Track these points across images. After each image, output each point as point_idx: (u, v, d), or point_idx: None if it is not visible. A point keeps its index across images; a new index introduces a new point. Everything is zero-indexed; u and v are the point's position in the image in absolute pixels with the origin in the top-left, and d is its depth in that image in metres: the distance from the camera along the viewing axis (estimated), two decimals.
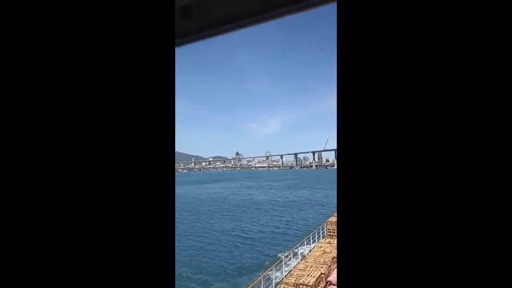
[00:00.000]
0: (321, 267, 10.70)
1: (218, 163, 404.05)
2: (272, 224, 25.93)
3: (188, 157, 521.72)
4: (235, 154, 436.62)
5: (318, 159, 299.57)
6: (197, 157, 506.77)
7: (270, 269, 10.78)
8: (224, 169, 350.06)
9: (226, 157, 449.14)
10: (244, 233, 23.18)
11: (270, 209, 35.58)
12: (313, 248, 13.66)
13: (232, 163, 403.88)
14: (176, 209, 0.80)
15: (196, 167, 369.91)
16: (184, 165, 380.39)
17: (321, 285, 9.88)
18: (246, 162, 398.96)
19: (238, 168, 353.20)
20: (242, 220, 28.65)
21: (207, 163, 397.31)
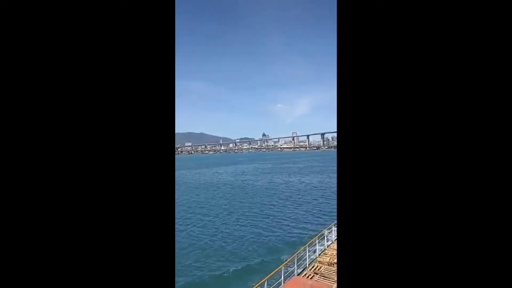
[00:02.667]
0: None
1: (245, 145, 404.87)
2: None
3: (216, 139, 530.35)
4: (261, 135, 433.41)
5: None
6: (224, 139, 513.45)
7: (303, 248, 10.47)
8: (250, 150, 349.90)
9: (253, 138, 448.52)
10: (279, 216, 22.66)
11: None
12: None
13: (258, 145, 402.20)
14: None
15: (223, 148, 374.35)
16: (211, 147, 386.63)
17: None
18: (272, 143, 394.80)
19: (264, 149, 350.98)
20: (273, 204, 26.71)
21: (233, 145, 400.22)
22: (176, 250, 13.64)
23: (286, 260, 9.78)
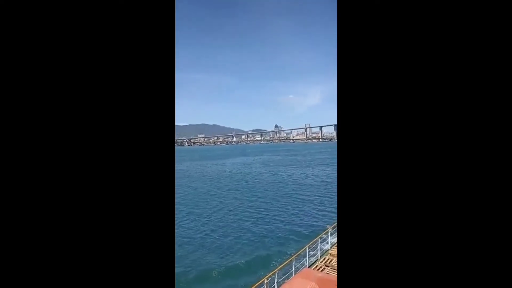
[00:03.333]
0: None
1: (257, 136, 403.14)
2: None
3: (229, 131, 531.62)
4: (274, 127, 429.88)
5: None
6: (237, 130, 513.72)
7: (315, 240, 10.42)
8: (262, 142, 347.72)
9: (265, 130, 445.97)
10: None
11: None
12: None
13: (270, 136, 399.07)
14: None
15: (235, 140, 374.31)
16: (223, 139, 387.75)
17: None
18: (285, 135, 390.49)
19: (276, 141, 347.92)
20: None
21: (245, 136, 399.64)
22: (180, 244, 14.01)
23: (297, 252, 9.56)
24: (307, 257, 9.37)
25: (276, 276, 7.79)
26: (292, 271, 8.51)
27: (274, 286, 7.71)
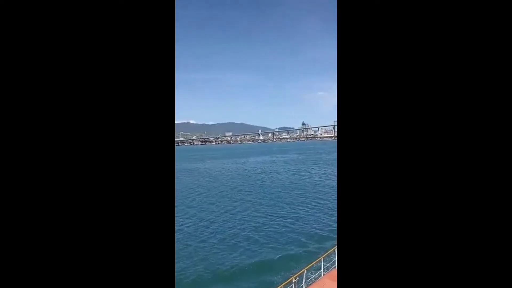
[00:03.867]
0: None
1: (284, 134, 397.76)
2: None
3: (255, 129, 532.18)
4: (301, 124, 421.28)
5: None
6: (263, 128, 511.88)
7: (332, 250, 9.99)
8: (288, 140, 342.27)
9: (292, 128, 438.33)
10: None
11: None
12: None
13: (297, 134, 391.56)
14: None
15: (261, 138, 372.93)
16: (250, 137, 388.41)
17: None
18: (312, 133, 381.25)
19: (303, 139, 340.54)
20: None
21: (272, 134, 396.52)
22: (194, 244, 14.20)
23: (327, 252, 9.33)
24: (336, 257, 8.72)
25: (304, 276, 7.56)
26: (321, 272, 8.16)
27: (302, 286, 7.41)
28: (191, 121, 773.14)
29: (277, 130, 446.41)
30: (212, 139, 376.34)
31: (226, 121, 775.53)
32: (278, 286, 7.39)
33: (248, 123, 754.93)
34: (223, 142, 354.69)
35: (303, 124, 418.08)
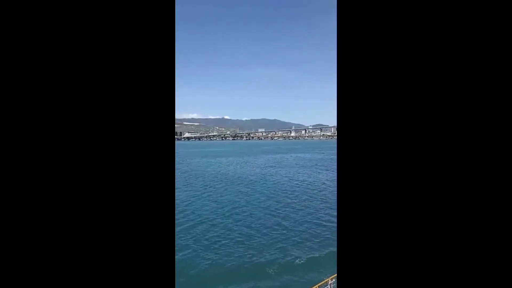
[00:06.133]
0: None
1: (317, 132, 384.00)
2: None
3: (289, 125, 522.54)
4: (336, 122, 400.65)
5: None
6: (297, 125, 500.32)
7: None
8: (321, 137, 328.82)
9: (327, 125, 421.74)
10: None
11: None
12: None
13: (332, 132, 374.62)
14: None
15: (293, 135, 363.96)
16: (282, 133, 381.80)
17: None
18: None
19: (335, 137, 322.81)
20: None
21: (305, 132, 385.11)
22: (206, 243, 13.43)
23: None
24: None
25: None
26: None
27: None
28: (226, 117, 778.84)
29: (311, 127, 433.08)
30: (244, 134, 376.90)
31: (260, 117, 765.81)
32: None
33: (282, 120, 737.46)
34: (254, 138, 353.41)
35: None
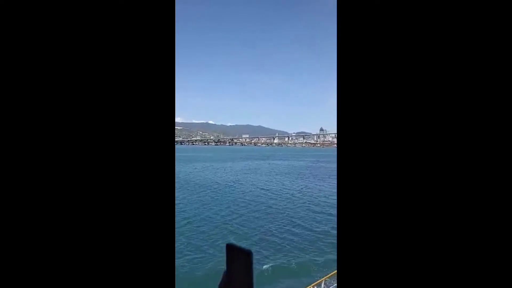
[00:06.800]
0: None
1: (300, 139, 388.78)
2: None
3: (273, 132, 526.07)
4: (319, 130, 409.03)
5: None
6: (281, 132, 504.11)
7: None
8: (303, 145, 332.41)
9: (310, 133, 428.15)
10: None
11: None
12: None
13: (314, 140, 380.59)
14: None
15: (276, 141, 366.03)
16: (265, 140, 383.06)
17: None
18: (330, 139, 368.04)
19: (318, 145, 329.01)
20: None
21: (288, 139, 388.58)
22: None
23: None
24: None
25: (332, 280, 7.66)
26: None
27: None
28: (210, 122, 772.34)
29: (294, 134, 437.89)
30: (227, 140, 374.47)
31: (244, 123, 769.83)
32: None
33: (266, 126, 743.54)
34: (237, 143, 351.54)
35: (321, 130, 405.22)
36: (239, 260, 0.50)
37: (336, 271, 8.06)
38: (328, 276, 8.65)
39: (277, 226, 16.99)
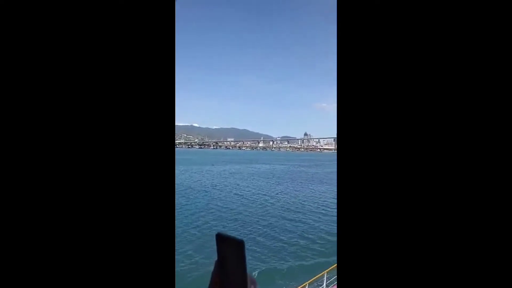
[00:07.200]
0: None
1: (285, 143, 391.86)
2: None
3: (258, 136, 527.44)
4: (303, 135, 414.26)
5: None
6: (266, 136, 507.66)
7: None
8: (287, 149, 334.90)
9: (294, 138, 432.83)
10: None
11: None
12: None
13: (298, 144, 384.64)
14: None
15: (260, 145, 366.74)
16: (250, 144, 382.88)
17: None
18: (314, 144, 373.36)
19: (302, 149, 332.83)
20: None
21: (272, 143, 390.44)
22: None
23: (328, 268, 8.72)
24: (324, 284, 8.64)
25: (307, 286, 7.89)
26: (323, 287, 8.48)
27: None
28: (195, 124, 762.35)
29: (279, 138, 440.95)
30: (211, 143, 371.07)
31: (229, 126, 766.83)
32: None
33: (251, 130, 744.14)
34: (222, 147, 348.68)
35: (305, 134, 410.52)
36: (231, 250, 0.49)
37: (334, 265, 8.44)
38: (328, 270, 8.56)
39: (242, 234, 16.11)
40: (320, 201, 26.03)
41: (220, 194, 29.74)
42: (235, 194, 29.96)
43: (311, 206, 24.25)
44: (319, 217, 19.92)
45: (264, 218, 20.01)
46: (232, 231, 16.24)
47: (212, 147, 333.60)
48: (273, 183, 39.56)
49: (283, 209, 23.13)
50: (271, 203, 25.81)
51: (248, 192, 30.98)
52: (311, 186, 37.21)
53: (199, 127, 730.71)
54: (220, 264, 0.51)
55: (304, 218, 20.01)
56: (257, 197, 28.27)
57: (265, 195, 29.80)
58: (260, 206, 24.43)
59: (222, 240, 0.50)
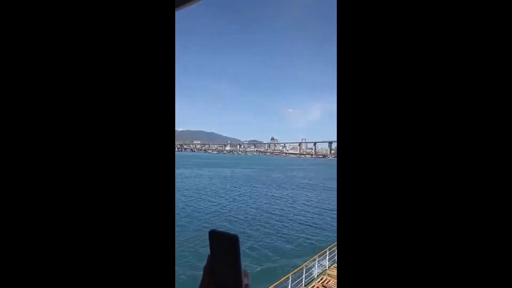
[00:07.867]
0: None
1: (251, 147, 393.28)
2: None
3: (225, 139, 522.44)
4: (270, 139, 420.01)
5: None
6: (233, 140, 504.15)
7: (312, 259, 10.31)
8: (254, 153, 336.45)
9: (261, 142, 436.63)
10: None
11: None
12: None
13: (265, 148, 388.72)
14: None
15: (227, 149, 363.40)
16: (217, 147, 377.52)
17: None
18: (280, 148, 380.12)
19: (268, 153, 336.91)
20: None
21: (239, 146, 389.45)
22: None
23: (294, 270, 9.52)
24: (303, 276, 9.26)
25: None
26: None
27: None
28: None
29: (246, 142, 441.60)
30: (176, 145, 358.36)
31: (197, 129, 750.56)
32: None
33: (219, 133, 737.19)
34: (187, 150, 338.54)
35: (272, 139, 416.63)
36: (226, 244, 0.51)
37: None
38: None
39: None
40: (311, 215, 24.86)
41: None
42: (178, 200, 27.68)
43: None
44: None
45: (214, 225, 18.17)
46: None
47: (177, 150, 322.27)
48: (228, 189, 37.78)
49: (235, 216, 21.50)
50: (221, 212, 24.03)
51: (195, 200, 28.81)
52: (273, 190, 36.08)
53: None
54: (214, 259, 0.53)
55: (256, 226, 18.57)
56: (206, 205, 26.31)
57: (215, 204, 27.89)
58: (211, 214, 22.49)
59: (217, 236, 0.52)
